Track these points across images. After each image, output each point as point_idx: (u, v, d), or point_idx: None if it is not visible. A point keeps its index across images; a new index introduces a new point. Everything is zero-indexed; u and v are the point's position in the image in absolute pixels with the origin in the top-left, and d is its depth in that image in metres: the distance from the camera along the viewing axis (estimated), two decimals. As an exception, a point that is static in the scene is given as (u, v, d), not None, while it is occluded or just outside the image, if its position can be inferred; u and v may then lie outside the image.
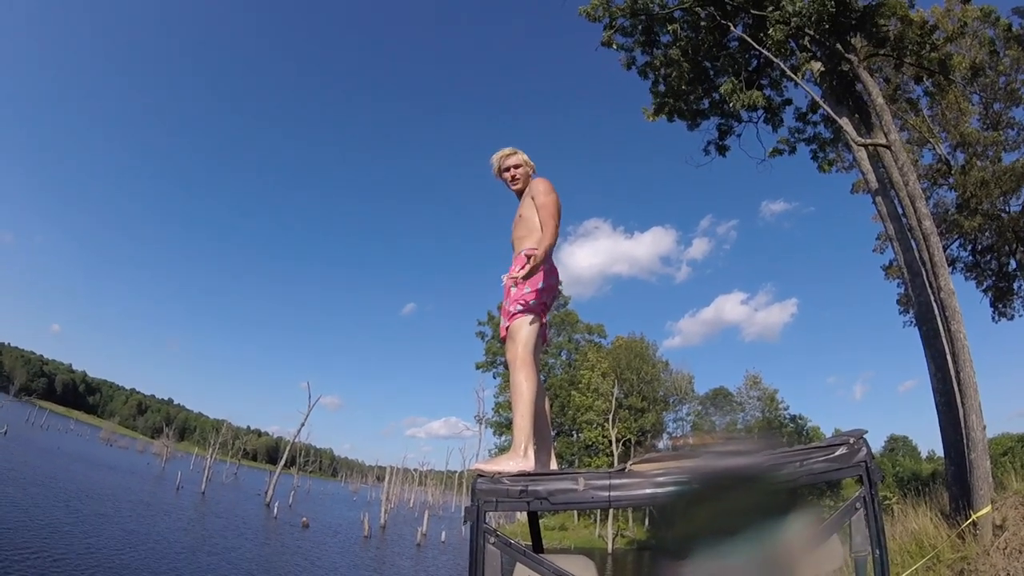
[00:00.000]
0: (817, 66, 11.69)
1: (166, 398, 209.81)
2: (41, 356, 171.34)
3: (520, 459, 2.83)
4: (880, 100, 10.59)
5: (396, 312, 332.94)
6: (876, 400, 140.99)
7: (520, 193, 3.51)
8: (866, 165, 11.59)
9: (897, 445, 49.97)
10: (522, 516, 37.98)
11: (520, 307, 3.12)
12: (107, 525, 20.18)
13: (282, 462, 49.71)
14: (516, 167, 3.53)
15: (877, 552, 2.29)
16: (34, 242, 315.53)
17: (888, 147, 10.21)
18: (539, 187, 3.32)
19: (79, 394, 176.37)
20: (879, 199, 11.51)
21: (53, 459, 40.91)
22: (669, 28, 12.78)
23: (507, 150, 3.58)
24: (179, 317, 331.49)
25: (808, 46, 11.39)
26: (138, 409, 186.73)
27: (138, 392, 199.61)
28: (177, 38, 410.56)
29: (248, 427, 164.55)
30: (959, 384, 8.95)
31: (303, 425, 47.02)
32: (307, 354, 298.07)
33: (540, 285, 3.17)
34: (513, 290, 3.15)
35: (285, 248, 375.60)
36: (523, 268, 3.07)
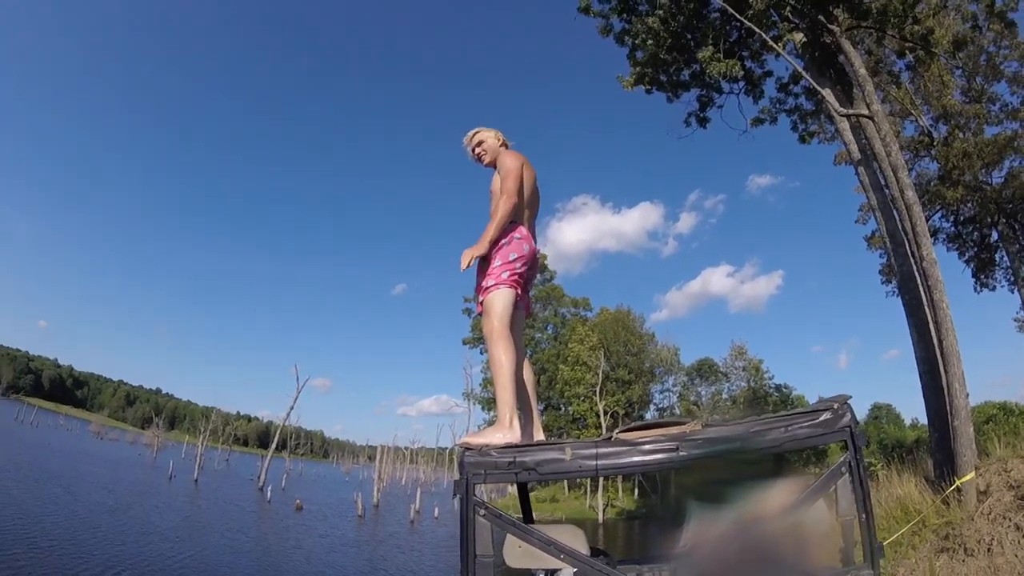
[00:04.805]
0: (799, 37, 11.61)
1: (154, 388, 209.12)
2: (27, 352, 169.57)
3: (506, 431, 2.82)
4: (862, 71, 10.54)
5: (387, 293, 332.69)
6: (860, 369, 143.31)
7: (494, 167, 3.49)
8: (848, 136, 11.58)
9: (881, 413, 50.82)
10: (512, 489, 38.28)
11: (492, 281, 3.10)
12: (120, 518, 20.49)
13: (273, 446, 49.66)
14: (479, 144, 3.52)
15: (863, 516, 2.32)
16: (16, 237, 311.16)
17: (871, 118, 10.19)
18: (502, 160, 3.30)
19: (67, 389, 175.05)
20: (861, 169, 11.51)
21: (53, 456, 40.82)
22: (647, -6, 12.60)
23: (472, 131, 3.58)
24: (164, 306, 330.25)
25: (790, 17, 11.29)
26: (126, 400, 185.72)
27: (125, 383, 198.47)
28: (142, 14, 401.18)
29: (238, 412, 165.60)
30: (942, 352, 9.01)
31: (292, 408, 47.31)
32: (297, 337, 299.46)
33: (511, 257, 3.14)
34: (475, 266, 3.13)
35: (270, 231, 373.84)
36: (475, 249, 3.06)
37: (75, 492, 24.87)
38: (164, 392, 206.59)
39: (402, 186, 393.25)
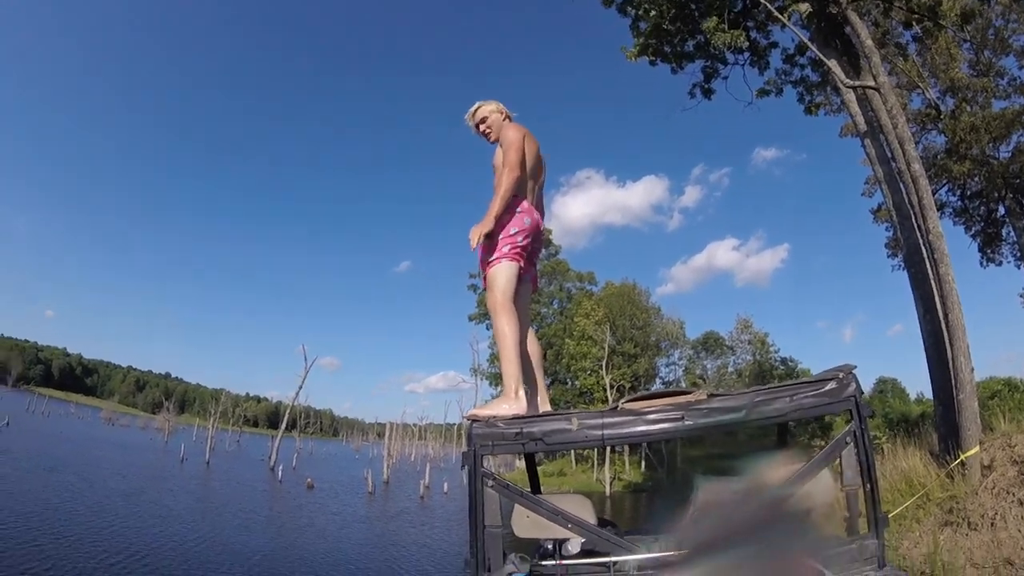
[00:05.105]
0: (804, 7, 11.41)
1: (163, 372, 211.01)
2: (35, 343, 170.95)
3: (513, 402, 2.84)
4: (869, 42, 10.39)
5: (391, 270, 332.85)
6: (865, 343, 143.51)
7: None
8: (854, 108, 11.42)
9: (886, 387, 50.57)
10: (520, 463, 38.80)
11: (494, 255, 3.11)
12: (136, 502, 20.93)
13: (283, 426, 50.18)
14: (483, 120, 3.48)
15: (868, 486, 2.34)
16: (19, 230, 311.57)
17: (877, 89, 10.07)
18: (505, 134, 3.27)
19: (76, 377, 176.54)
20: (867, 142, 11.38)
21: (67, 445, 41.24)
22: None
23: (474, 106, 3.53)
24: (171, 291, 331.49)
25: (795, -14, 11.12)
26: (136, 386, 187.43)
27: (135, 369, 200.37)
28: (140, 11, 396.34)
29: (247, 394, 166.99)
30: (947, 326, 8.98)
31: (301, 388, 47.75)
32: (303, 317, 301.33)
33: (513, 231, 3.13)
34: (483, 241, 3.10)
35: (274, 211, 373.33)
36: (481, 225, 3.04)
37: (90, 479, 25.17)
38: (173, 376, 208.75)
39: (399, 182, 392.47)
